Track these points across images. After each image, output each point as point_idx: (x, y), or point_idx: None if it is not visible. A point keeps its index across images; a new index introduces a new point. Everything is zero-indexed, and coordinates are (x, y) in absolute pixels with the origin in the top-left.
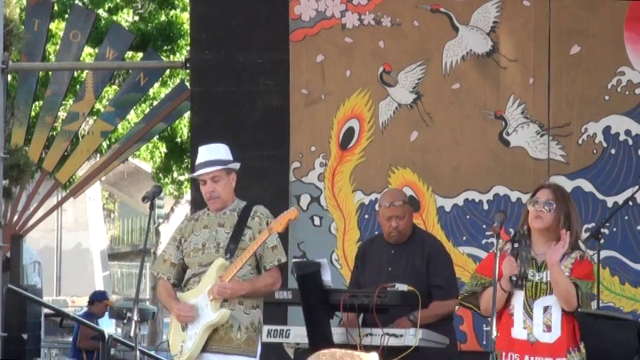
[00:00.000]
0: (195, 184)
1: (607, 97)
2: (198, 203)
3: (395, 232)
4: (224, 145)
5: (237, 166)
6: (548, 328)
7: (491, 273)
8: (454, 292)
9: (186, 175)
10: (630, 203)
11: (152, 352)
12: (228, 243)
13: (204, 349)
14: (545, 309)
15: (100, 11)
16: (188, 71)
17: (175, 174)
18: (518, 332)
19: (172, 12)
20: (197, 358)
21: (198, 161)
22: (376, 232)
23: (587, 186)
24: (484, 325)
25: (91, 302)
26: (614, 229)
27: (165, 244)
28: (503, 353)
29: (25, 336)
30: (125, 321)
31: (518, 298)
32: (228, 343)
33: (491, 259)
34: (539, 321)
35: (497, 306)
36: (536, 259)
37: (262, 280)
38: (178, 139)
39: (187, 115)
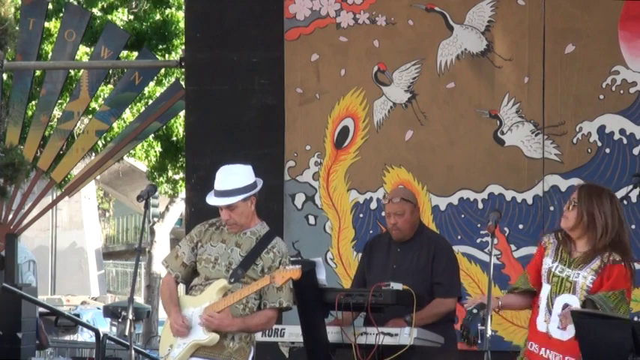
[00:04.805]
0: (190, 183)
1: (601, 96)
2: (193, 202)
3: (394, 228)
4: (245, 169)
5: (256, 190)
6: (564, 327)
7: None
8: (455, 291)
9: (181, 174)
10: (625, 202)
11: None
12: (237, 267)
13: (194, 354)
14: (564, 307)
15: (95, 10)
16: (183, 70)
17: (170, 173)
18: (540, 324)
19: (167, 11)
20: None
21: (215, 187)
22: (371, 231)
23: None
24: (479, 325)
25: None
26: None
27: (160, 241)
28: (529, 342)
29: (19, 335)
30: (119, 320)
31: (545, 291)
32: (220, 350)
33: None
34: (556, 317)
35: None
36: (570, 253)
37: (255, 320)
38: (173, 138)
39: (182, 113)
